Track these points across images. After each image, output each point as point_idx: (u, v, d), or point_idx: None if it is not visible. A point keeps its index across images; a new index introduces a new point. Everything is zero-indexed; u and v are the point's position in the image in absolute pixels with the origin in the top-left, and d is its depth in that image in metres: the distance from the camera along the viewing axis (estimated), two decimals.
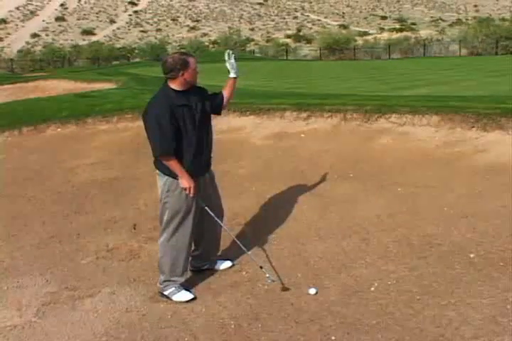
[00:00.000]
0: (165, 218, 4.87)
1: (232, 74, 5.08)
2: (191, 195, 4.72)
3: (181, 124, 4.63)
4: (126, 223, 6.67)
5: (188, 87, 4.71)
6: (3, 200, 7.83)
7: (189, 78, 4.68)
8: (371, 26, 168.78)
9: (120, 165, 8.85)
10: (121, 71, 30.99)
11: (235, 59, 5.04)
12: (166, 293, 4.87)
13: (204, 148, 4.85)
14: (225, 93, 5.11)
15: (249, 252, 5.14)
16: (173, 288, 4.87)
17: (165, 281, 4.90)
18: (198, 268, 5.31)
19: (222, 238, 5.43)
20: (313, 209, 6.43)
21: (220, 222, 5.06)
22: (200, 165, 4.83)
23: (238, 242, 5.11)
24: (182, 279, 4.93)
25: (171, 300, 4.82)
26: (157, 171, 4.88)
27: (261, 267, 4.96)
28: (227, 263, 5.36)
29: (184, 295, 4.83)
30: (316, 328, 4.21)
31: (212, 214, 4.90)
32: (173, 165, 4.67)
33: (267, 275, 4.87)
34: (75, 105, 12.90)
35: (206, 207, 4.88)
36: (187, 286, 4.96)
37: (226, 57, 5.02)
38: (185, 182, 4.68)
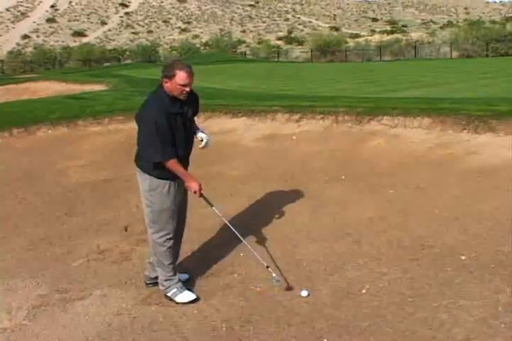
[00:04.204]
0: (150, 217, 4.86)
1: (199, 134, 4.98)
2: (198, 196, 4.74)
3: (175, 130, 4.61)
4: (117, 225, 6.64)
5: (177, 97, 4.60)
6: None
7: (169, 89, 4.57)
8: (362, 28, 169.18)
9: (111, 166, 8.81)
10: (113, 73, 30.89)
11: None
12: (169, 294, 4.87)
13: (187, 151, 4.85)
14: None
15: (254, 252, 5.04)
16: (175, 289, 4.86)
17: (166, 280, 4.90)
18: (154, 280, 5.10)
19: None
20: (305, 211, 6.43)
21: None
22: (182, 166, 4.81)
23: (238, 234, 5.03)
24: (176, 277, 4.92)
25: (175, 301, 4.80)
26: (137, 169, 4.86)
27: (267, 267, 4.88)
28: (184, 276, 5.21)
29: (187, 296, 4.82)
30: (308, 330, 4.20)
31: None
32: (176, 168, 4.64)
33: (274, 274, 4.80)
34: (66, 107, 12.84)
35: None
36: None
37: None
38: (194, 185, 4.69)
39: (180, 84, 4.51)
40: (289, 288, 4.82)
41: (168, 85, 4.57)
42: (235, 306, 4.66)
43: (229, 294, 4.87)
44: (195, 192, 4.72)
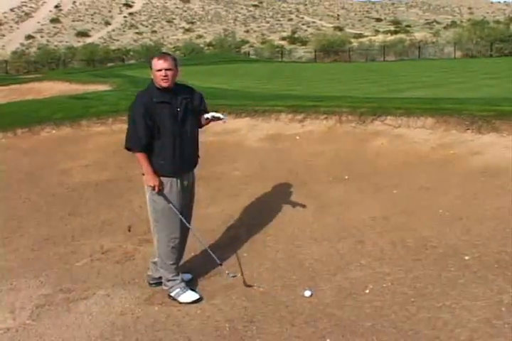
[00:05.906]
0: (154, 216, 4.89)
1: (208, 115, 4.85)
2: (156, 192, 4.73)
3: (158, 121, 4.64)
4: (120, 225, 6.65)
5: (161, 85, 4.66)
6: None
7: (154, 80, 4.68)
8: (366, 28, 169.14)
9: (115, 167, 8.82)
10: (116, 73, 30.94)
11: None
12: (172, 294, 4.87)
13: (185, 146, 4.81)
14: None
15: (211, 251, 5.03)
16: (179, 289, 4.87)
17: (169, 280, 4.91)
18: (158, 280, 5.13)
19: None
20: (309, 211, 6.42)
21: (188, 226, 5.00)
22: (181, 162, 4.79)
23: (202, 244, 5.09)
24: (179, 277, 4.93)
25: (178, 301, 4.81)
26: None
27: (221, 264, 5.00)
28: (188, 276, 5.24)
29: (190, 296, 4.83)
30: (311, 330, 4.20)
31: (177, 212, 4.83)
32: (141, 160, 4.72)
33: (227, 272, 4.88)
34: (70, 107, 12.86)
35: (170, 205, 4.83)
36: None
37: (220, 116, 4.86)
38: (149, 180, 4.72)
39: (156, 70, 4.62)
40: (248, 285, 4.95)
41: (153, 76, 4.70)
42: (238, 306, 4.67)
43: (232, 294, 4.87)
44: (153, 188, 4.73)
